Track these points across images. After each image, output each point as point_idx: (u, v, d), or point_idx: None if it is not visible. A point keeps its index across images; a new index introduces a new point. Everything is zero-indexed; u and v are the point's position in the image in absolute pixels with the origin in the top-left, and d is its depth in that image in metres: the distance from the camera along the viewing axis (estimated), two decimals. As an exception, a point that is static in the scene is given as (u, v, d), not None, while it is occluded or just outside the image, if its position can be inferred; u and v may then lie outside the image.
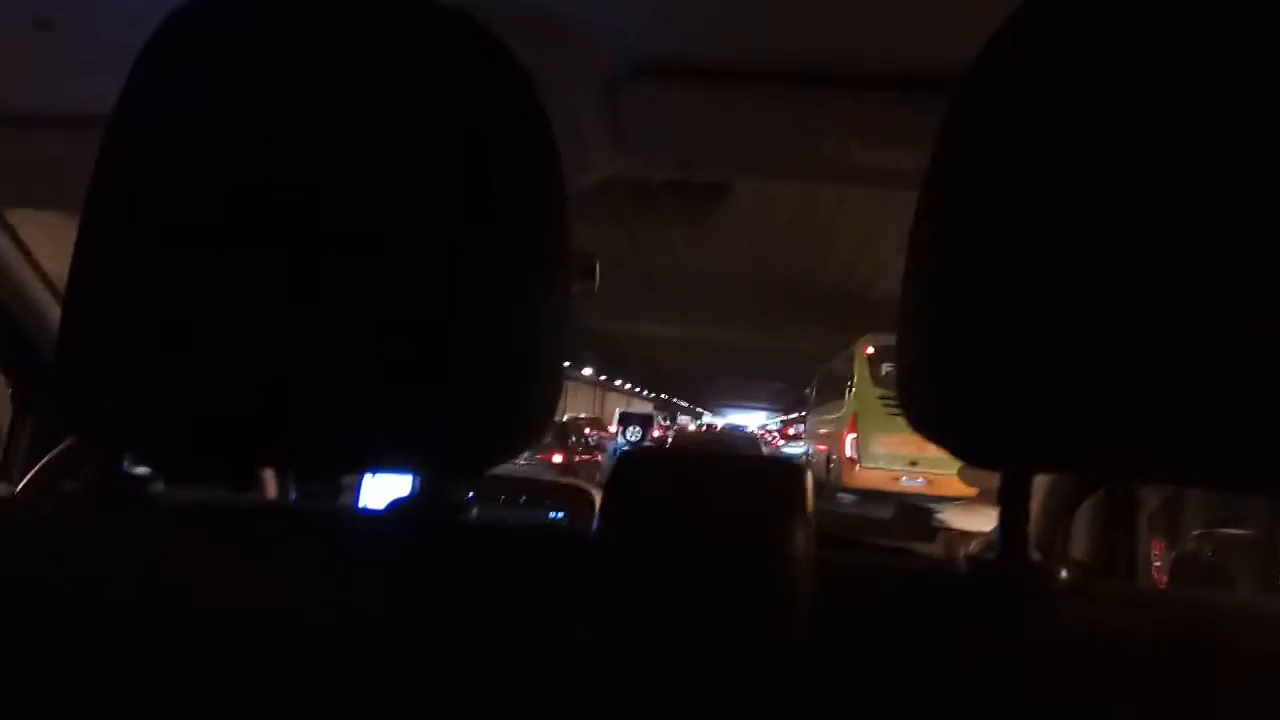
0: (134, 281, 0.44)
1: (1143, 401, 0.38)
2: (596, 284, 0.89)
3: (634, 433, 16.13)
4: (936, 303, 0.43)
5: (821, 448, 14.84)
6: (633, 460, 0.52)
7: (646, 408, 34.23)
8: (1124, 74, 0.38)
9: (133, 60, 0.45)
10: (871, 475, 10.07)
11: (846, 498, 10.51)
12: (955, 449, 0.43)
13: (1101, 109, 0.38)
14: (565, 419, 13.20)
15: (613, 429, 16.24)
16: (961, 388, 0.42)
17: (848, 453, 10.88)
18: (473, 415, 0.46)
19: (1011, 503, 0.45)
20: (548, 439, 9.07)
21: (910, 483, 9.21)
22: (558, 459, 9.61)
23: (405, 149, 0.43)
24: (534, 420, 0.49)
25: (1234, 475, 0.40)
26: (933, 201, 0.44)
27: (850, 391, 11.11)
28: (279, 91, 0.44)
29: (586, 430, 13.54)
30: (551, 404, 0.50)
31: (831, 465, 12.49)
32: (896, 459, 9.57)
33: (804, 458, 17.38)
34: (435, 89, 0.44)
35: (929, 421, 0.44)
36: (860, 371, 10.67)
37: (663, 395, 42.63)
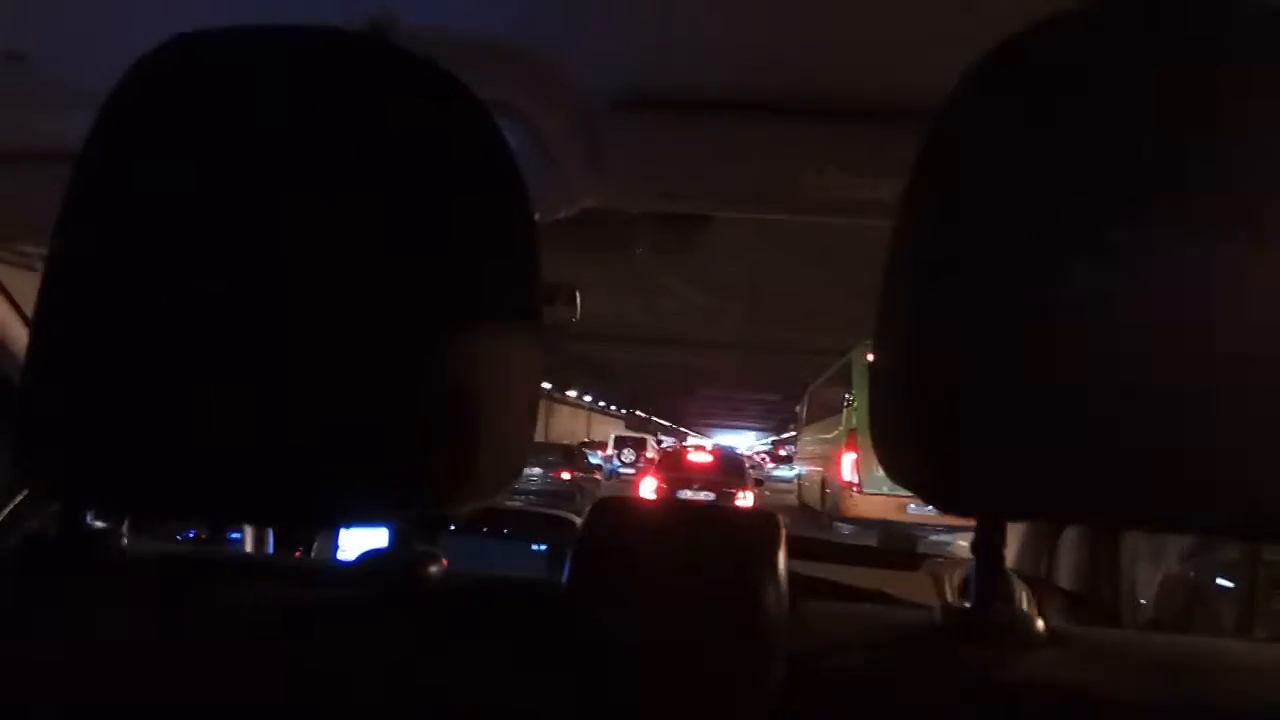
0: (98, 328, 0.47)
1: (1117, 451, 0.42)
2: (578, 314, 0.99)
3: (628, 454, 20.47)
4: (910, 343, 0.47)
5: (815, 471, 14.37)
6: (605, 511, 0.56)
7: (618, 428, 35.86)
8: (1100, 108, 0.42)
9: (103, 96, 0.50)
10: (874, 503, 9.76)
11: (845, 528, 10.16)
12: (928, 496, 0.48)
13: (1077, 143, 0.43)
14: (575, 444, 18.90)
15: (609, 451, 21.18)
16: (935, 434, 0.46)
17: (846, 476, 10.57)
18: (443, 464, 0.49)
19: (985, 552, 0.49)
20: (556, 459, 11.60)
21: (920, 510, 8.81)
22: (566, 475, 13.36)
23: (369, 192, 0.47)
24: (506, 462, 0.53)
25: (1207, 523, 0.46)
26: (906, 236, 0.48)
27: (849, 406, 10.84)
28: (245, 135, 0.47)
29: (600, 452, 19.21)
30: (525, 444, 0.54)
31: (828, 492, 12.15)
32: (904, 484, 9.40)
33: (795, 481, 17.35)
34: (394, 130, 0.48)
35: (902, 467, 0.48)
36: (860, 382, 10.40)
37: (638, 413, 42.33)
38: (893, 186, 1.01)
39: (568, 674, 0.47)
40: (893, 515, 9.46)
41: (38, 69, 0.95)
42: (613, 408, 40.60)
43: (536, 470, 13.43)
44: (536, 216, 0.57)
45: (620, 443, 22.59)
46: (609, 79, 0.96)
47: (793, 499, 16.28)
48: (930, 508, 0.48)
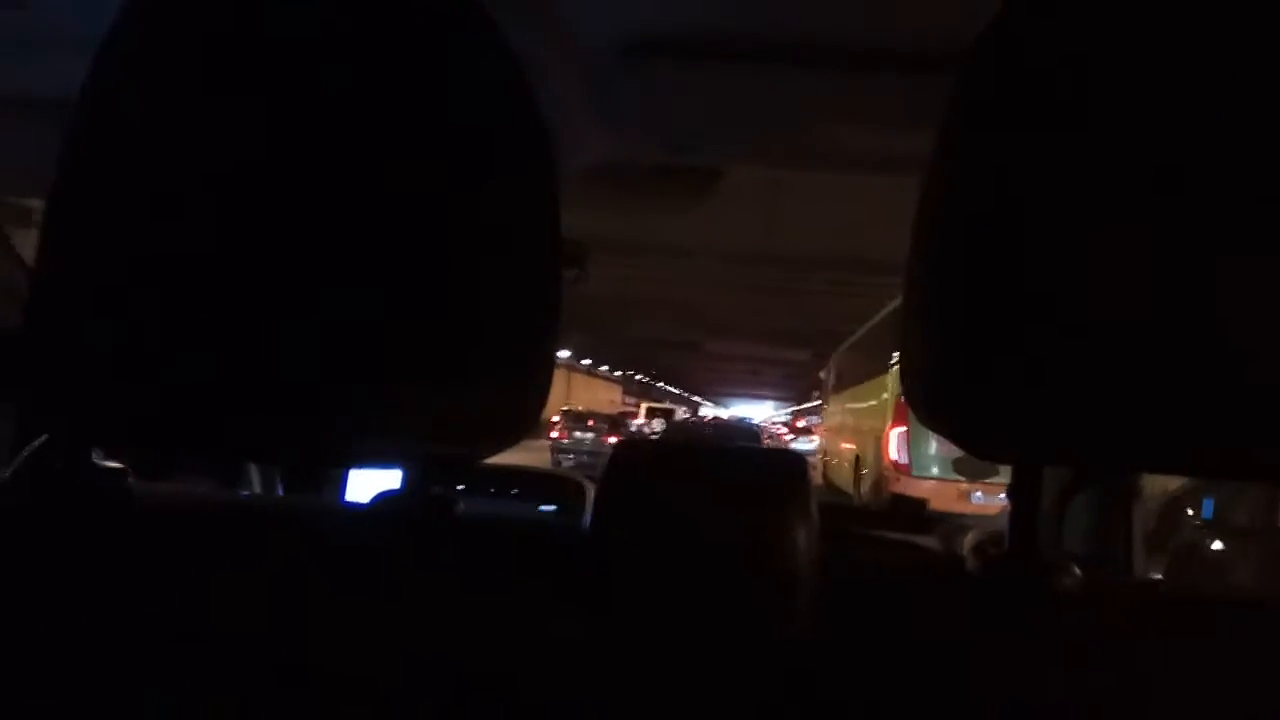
0: (104, 269, 0.53)
1: (1158, 392, 0.47)
2: (589, 273, 1.15)
3: (658, 424, 27.97)
4: (941, 290, 0.53)
5: (845, 447, 13.89)
6: (628, 451, 0.63)
7: (612, 394, 39.28)
8: (1130, 51, 0.48)
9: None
10: (926, 488, 9.34)
11: (883, 513, 9.98)
12: (962, 441, 0.54)
13: (1108, 88, 0.48)
14: (617, 413, 29.44)
15: (640, 420, 30.16)
16: (969, 377, 0.51)
17: (893, 455, 10.22)
18: (461, 408, 0.56)
19: (1022, 497, 0.56)
20: (606, 426, 21.22)
21: (986, 499, 8.45)
22: (612, 439, 18.27)
23: (388, 131, 0.53)
24: (524, 411, 0.60)
25: (1249, 465, 0.52)
26: (936, 187, 0.54)
27: (896, 368, 10.54)
28: (254, 69, 0.53)
29: (634, 420, 29.66)
30: (542, 395, 0.61)
31: (863, 473, 11.83)
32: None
33: (817, 457, 16.62)
34: (420, 68, 0.54)
35: (935, 412, 0.54)
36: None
37: (639, 377, 42.14)
38: (913, 139, 1.14)
39: (595, 613, 0.54)
40: (953, 504, 8.67)
41: (39, 14, 1.10)
42: (604, 368, 39.85)
43: (590, 435, 20.73)
44: None
45: (651, 413, 33.07)
46: (618, 25, 1.09)
47: (816, 476, 16.04)
48: (1002, 495, 0.56)
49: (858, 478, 12.25)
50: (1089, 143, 0.48)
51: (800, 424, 37.08)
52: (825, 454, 16.58)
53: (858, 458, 12.48)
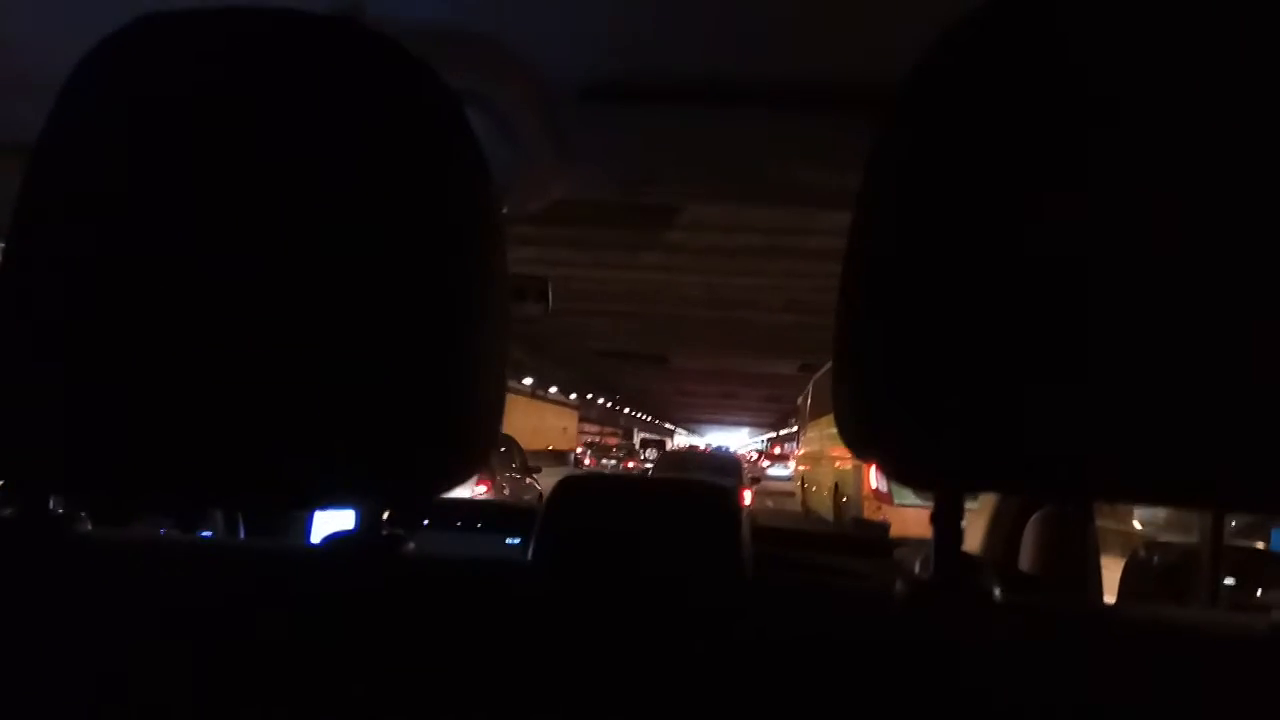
0: (58, 314, 0.58)
1: (1071, 420, 0.52)
2: (549, 307, 1.26)
3: (651, 453, 35.43)
4: (869, 321, 0.58)
5: (825, 474, 14.06)
6: (568, 486, 0.71)
7: (566, 421, 44.99)
8: (1052, 91, 0.52)
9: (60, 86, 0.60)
10: (908, 517, 9.55)
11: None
12: (887, 469, 0.59)
13: (1034, 125, 0.52)
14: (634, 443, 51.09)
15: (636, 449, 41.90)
16: (892, 407, 0.57)
17: (874, 483, 10.57)
18: (408, 447, 0.60)
19: (943, 522, 0.61)
20: (624, 454, 43.44)
21: None
22: (631, 465, 35.04)
23: (332, 177, 0.57)
24: (473, 447, 0.64)
25: (1164, 492, 0.56)
26: (866, 220, 0.59)
27: None
28: (205, 120, 0.58)
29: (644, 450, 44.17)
30: (492, 431, 0.66)
31: (844, 503, 12.09)
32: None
33: (797, 484, 16.76)
34: (358, 113, 0.58)
35: (861, 440, 0.60)
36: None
37: (599, 400, 41.98)
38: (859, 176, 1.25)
39: (531, 646, 0.59)
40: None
41: (3, 58, 1.19)
42: (553, 390, 39.08)
43: (612, 462, 32.46)
44: (505, 210, 0.71)
45: (645, 444, 41.47)
46: (576, 68, 1.19)
47: (795, 504, 16.40)
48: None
49: (838, 506, 12.48)
50: (1010, 180, 0.52)
51: (776, 450, 41.26)
52: (804, 481, 16.74)
53: (837, 485, 12.73)
